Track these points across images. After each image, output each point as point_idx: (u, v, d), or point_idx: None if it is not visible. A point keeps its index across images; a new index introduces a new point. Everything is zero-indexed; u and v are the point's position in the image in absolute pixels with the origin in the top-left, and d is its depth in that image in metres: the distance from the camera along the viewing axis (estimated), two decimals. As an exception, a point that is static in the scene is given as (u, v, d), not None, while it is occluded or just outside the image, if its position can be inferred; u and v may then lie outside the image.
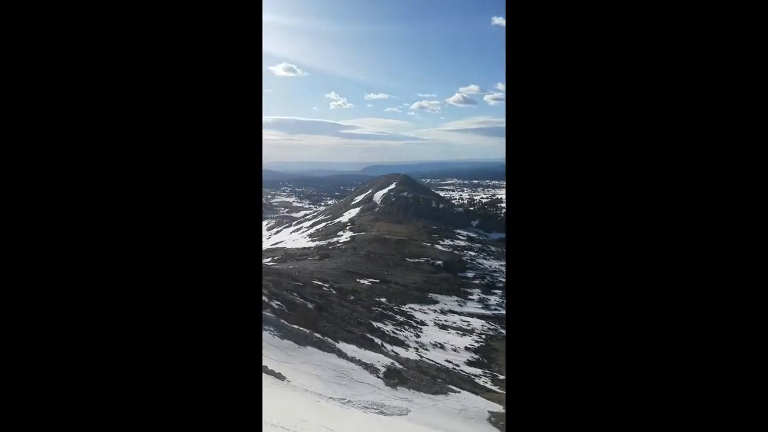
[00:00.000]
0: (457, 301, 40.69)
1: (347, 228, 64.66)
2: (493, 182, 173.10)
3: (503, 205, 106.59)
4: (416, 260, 49.96)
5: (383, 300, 35.88)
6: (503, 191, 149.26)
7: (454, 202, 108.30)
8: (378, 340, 21.38)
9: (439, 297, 39.97)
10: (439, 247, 55.64)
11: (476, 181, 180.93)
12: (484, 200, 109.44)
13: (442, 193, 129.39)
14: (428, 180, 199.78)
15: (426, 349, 23.56)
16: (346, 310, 26.30)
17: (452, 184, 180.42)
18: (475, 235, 62.21)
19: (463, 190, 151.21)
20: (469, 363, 22.64)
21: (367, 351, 17.64)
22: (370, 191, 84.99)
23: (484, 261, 51.59)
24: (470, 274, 47.30)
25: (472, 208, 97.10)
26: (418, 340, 25.78)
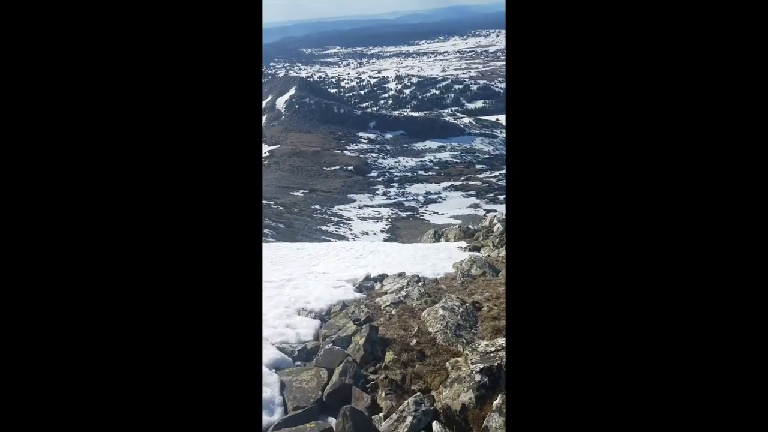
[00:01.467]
0: (368, 196, 55.14)
1: (262, 141, 73.83)
2: (376, 49, 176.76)
3: (390, 85, 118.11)
4: (332, 168, 62.53)
5: (317, 207, 48.97)
6: (386, 61, 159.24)
7: (344, 84, 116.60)
8: (328, 238, 35.17)
9: (355, 196, 54.08)
10: (348, 153, 68.28)
11: (359, 49, 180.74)
12: (372, 80, 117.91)
13: (329, 71, 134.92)
14: (309, 50, 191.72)
15: (358, 237, 37.99)
16: (299, 222, 39.34)
17: (336, 54, 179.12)
18: (373, 136, 75.12)
19: (348, 63, 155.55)
20: (384, 239, 37.49)
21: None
22: (270, 97, 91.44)
23: (383, 160, 65.84)
24: (374, 173, 61.55)
25: (362, 92, 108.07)
26: (351, 231, 40.07)
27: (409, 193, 56.78)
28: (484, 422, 3.22)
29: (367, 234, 39.72)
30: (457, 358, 4.06)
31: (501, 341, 4.10)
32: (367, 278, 7.88)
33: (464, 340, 4.42)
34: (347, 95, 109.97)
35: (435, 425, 3.28)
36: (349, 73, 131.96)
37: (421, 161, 66.59)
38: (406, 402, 3.47)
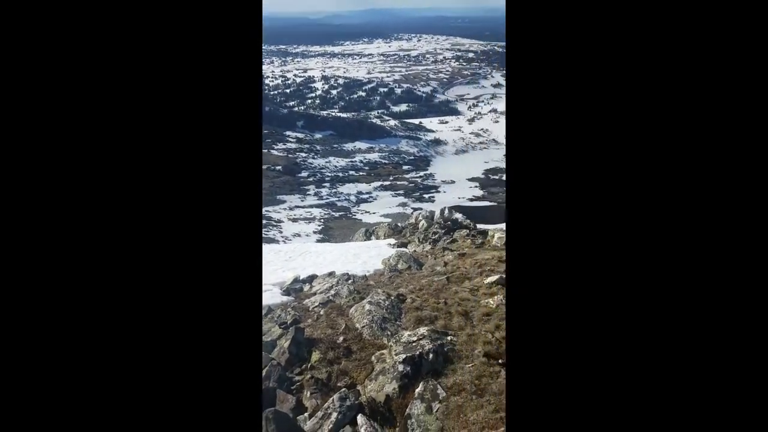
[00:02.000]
0: (299, 197, 54.22)
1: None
2: (300, 48, 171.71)
3: (316, 85, 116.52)
4: (260, 170, 60.69)
5: (245, 210, 47.26)
6: (311, 61, 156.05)
7: (268, 81, 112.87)
8: (259, 241, 34.12)
9: (285, 197, 52.95)
10: (275, 152, 66.63)
11: (283, 47, 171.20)
12: (297, 78, 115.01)
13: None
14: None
15: (289, 239, 37.25)
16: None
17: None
18: (302, 136, 74.04)
19: (272, 60, 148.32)
20: (317, 240, 37.13)
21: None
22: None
23: (313, 160, 65.12)
24: (305, 173, 60.67)
25: (288, 90, 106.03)
26: (282, 234, 39.16)
27: (341, 193, 56.65)
28: (407, 410, 3.32)
29: (300, 236, 39.06)
30: (382, 351, 4.13)
31: (422, 330, 4.23)
32: (296, 280, 7.77)
33: (389, 333, 4.51)
34: (272, 93, 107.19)
35: (360, 418, 3.33)
36: (273, 71, 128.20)
37: (352, 161, 66.64)
38: (330, 399, 3.49)
